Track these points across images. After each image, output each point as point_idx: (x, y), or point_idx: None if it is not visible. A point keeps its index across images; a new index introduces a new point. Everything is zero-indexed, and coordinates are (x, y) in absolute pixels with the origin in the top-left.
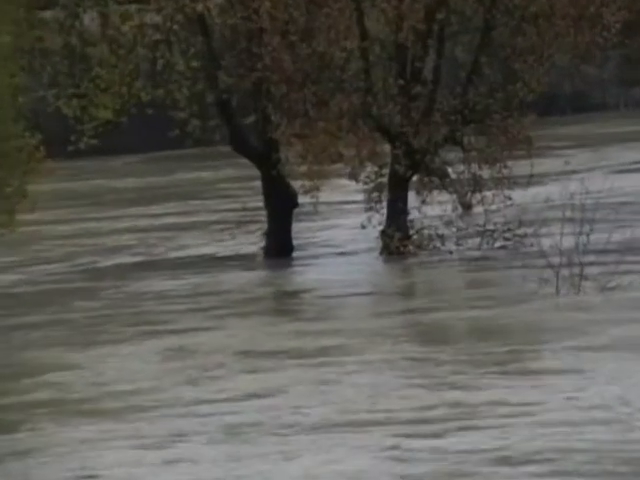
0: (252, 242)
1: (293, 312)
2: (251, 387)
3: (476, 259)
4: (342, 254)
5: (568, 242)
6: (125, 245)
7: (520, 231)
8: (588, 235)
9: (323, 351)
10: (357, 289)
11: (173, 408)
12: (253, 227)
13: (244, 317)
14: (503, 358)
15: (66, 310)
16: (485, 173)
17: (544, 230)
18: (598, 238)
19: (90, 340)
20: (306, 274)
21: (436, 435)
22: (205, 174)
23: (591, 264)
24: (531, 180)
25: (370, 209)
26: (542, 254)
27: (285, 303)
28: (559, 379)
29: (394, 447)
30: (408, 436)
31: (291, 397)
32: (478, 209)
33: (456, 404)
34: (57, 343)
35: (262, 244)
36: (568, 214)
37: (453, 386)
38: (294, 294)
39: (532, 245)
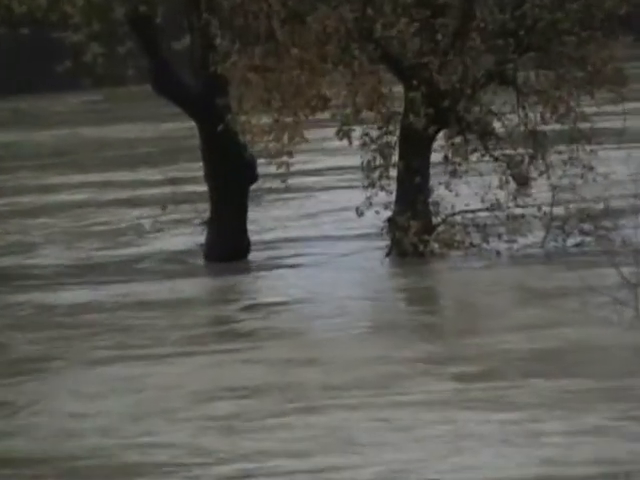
0: (184, 233)
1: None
2: None
3: (539, 263)
4: (325, 259)
5: None
6: None
7: (607, 221)
8: None
9: None
10: (350, 326)
11: None
12: (186, 212)
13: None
14: None
15: None
16: (551, 128)
17: None
18: None
19: None
20: (267, 296)
21: None
22: (108, 130)
23: None
24: (623, 139)
25: (371, 185)
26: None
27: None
28: None
29: None
30: None
31: None
32: (540, 185)
33: None
34: None
35: (201, 239)
36: None
37: None
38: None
39: (625, 243)
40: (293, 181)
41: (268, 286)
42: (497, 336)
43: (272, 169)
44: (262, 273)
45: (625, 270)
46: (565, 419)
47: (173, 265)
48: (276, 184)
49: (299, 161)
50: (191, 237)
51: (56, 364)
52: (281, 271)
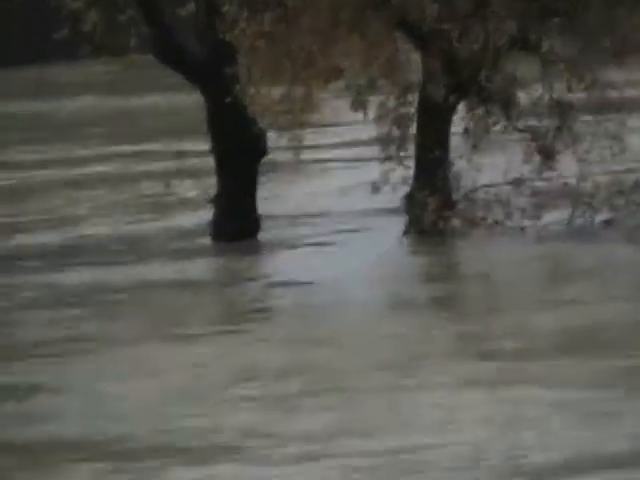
0: (191, 211)
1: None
2: None
3: (566, 240)
4: (341, 237)
5: None
6: None
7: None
8: None
9: None
10: (372, 308)
11: None
12: (191, 188)
13: None
14: None
15: None
16: (579, 99)
17: None
18: None
19: None
20: (283, 275)
21: None
22: (111, 102)
23: None
24: None
25: (387, 159)
26: None
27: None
28: None
29: None
30: None
31: None
32: (567, 159)
33: None
34: None
35: (208, 217)
36: None
37: None
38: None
39: None
40: (304, 157)
41: (280, 267)
42: (526, 314)
43: (283, 142)
44: (272, 253)
45: None
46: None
47: (172, 247)
48: (283, 159)
49: (310, 135)
50: (197, 214)
51: (84, 346)
52: (292, 251)
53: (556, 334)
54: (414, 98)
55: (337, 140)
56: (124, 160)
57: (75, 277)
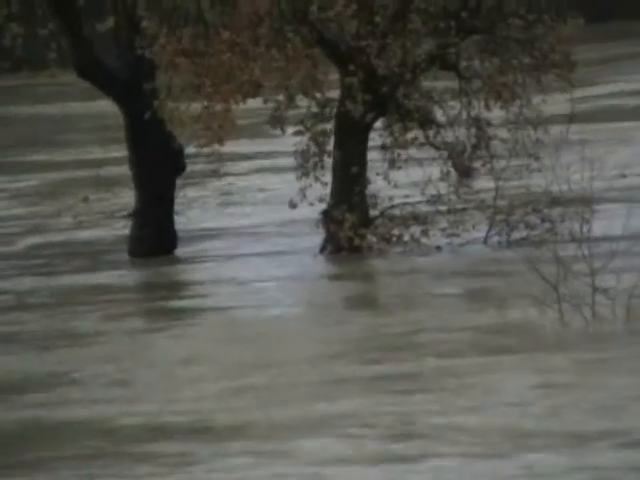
0: (107, 225)
1: None
2: None
3: (481, 260)
4: (256, 252)
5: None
6: None
7: (554, 212)
8: None
9: None
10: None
11: None
12: (109, 200)
13: None
14: None
15: None
16: (496, 116)
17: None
18: None
19: None
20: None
21: None
22: (28, 109)
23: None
24: (571, 126)
25: (304, 175)
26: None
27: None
28: None
29: None
30: None
31: None
32: (484, 176)
33: None
34: None
35: (126, 231)
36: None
37: None
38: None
39: (572, 236)
40: (223, 171)
41: (194, 280)
42: None
43: (201, 158)
44: (188, 266)
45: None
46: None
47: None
48: (200, 173)
49: (228, 149)
50: (113, 227)
51: None
52: (208, 265)
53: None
54: (332, 114)
55: (250, 150)
56: None
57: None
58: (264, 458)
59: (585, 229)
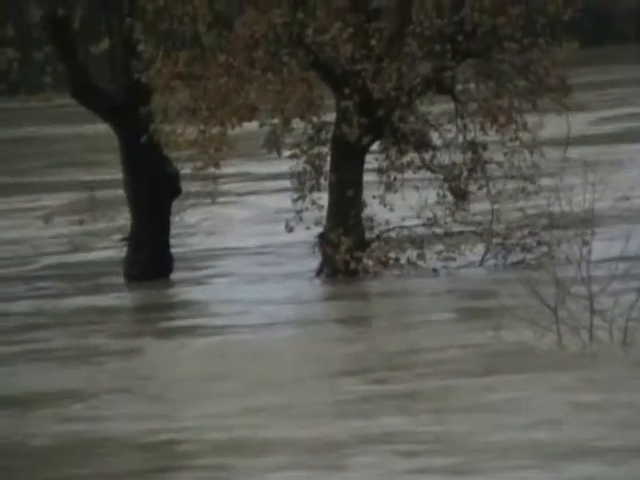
0: (104, 247)
1: None
2: None
3: (478, 283)
4: (251, 277)
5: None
6: None
7: (550, 236)
8: None
9: None
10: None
11: None
12: (106, 225)
13: None
14: None
15: None
16: (492, 139)
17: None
18: None
19: None
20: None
21: None
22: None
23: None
24: (568, 149)
25: (300, 198)
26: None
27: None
28: None
29: None
30: None
31: None
32: (480, 199)
33: None
34: None
35: (122, 254)
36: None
37: None
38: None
39: (569, 259)
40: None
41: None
42: None
43: (197, 181)
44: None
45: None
46: None
47: (85, 284)
48: (196, 196)
49: (225, 173)
50: (108, 249)
51: None
52: (202, 288)
53: None
54: (328, 137)
55: (246, 175)
56: None
57: None
58: (318, 470)
59: (585, 251)
